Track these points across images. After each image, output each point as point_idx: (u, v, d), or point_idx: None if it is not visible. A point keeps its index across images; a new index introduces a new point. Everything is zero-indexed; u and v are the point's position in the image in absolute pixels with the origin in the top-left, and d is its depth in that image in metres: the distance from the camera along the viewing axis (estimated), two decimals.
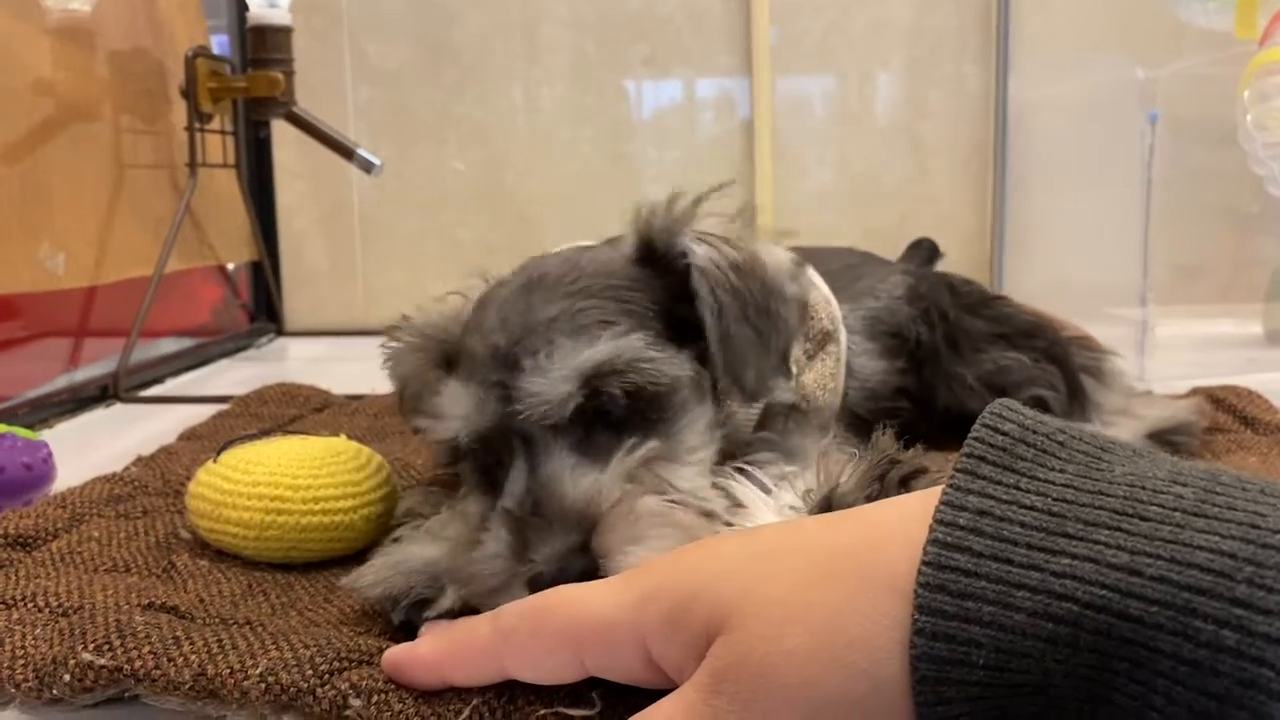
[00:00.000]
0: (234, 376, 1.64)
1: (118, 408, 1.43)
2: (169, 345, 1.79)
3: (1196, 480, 0.41)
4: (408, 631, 0.63)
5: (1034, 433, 0.44)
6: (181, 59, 1.65)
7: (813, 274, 0.93)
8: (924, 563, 0.40)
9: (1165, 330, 1.67)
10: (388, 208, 2.07)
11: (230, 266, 2.02)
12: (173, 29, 1.77)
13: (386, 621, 0.65)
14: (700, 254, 0.70)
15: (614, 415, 0.65)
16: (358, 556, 0.77)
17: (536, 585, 0.57)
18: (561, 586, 0.53)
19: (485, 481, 0.69)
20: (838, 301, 0.95)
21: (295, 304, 2.08)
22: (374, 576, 0.65)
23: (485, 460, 0.69)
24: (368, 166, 1.69)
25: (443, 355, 0.76)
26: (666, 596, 0.47)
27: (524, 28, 2.02)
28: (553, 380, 0.64)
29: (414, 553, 0.66)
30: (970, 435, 0.44)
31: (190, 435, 1.12)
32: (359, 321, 2.04)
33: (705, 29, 2.00)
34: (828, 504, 0.60)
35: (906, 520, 0.43)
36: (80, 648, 0.57)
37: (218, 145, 1.77)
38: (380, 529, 0.79)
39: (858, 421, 0.93)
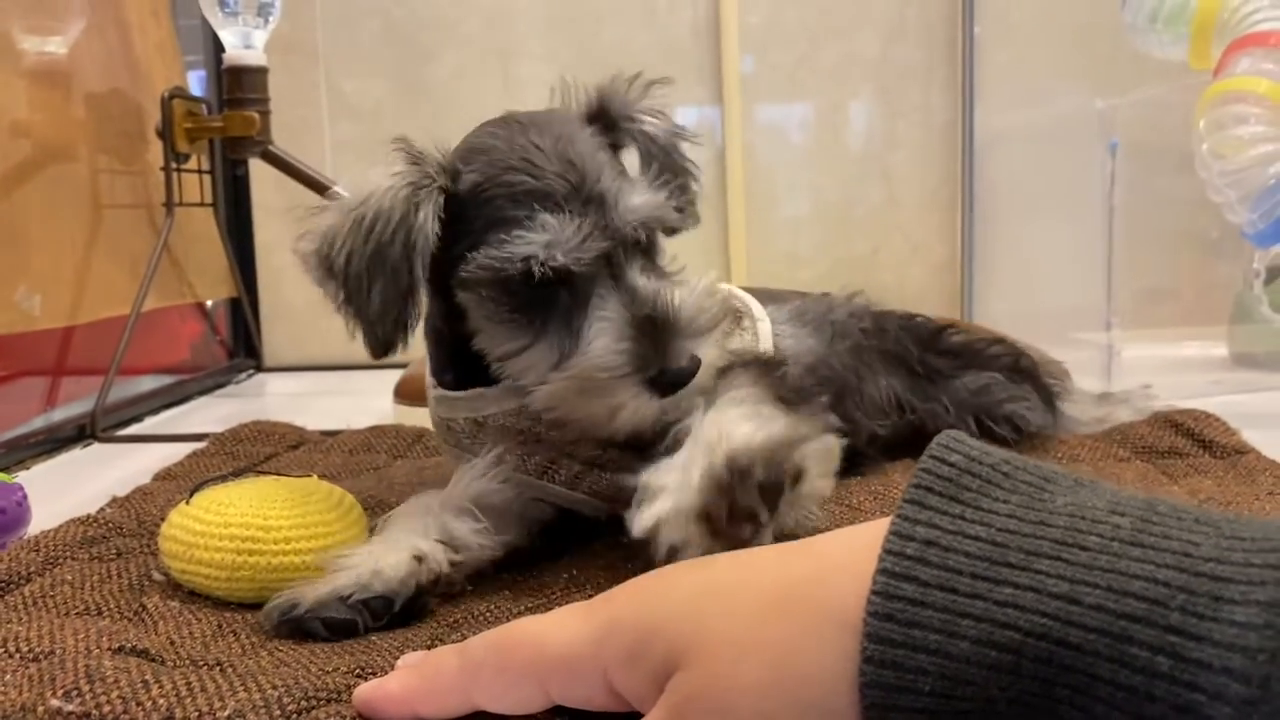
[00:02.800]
0: (213, 414, 1.65)
1: (95, 447, 1.44)
2: (148, 383, 1.79)
3: (1134, 510, 0.42)
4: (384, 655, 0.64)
5: (980, 463, 0.46)
6: (159, 99, 1.66)
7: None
8: (873, 592, 0.42)
9: (1131, 354, 1.69)
10: None
11: (209, 303, 2.03)
12: (150, 70, 1.79)
13: (355, 658, 0.66)
14: (651, 124, 0.87)
15: (640, 250, 0.79)
16: None
17: (660, 380, 0.73)
18: (524, 620, 0.54)
19: (529, 310, 0.77)
20: (763, 305, 1.03)
21: (274, 340, 2.09)
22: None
23: (547, 290, 0.76)
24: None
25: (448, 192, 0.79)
26: (627, 630, 0.48)
27: (499, 64, 2.05)
28: (636, 216, 0.77)
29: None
30: (918, 465, 0.46)
31: (165, 475, 1.12)
32: (338, 357, 2.05)
33: (678, 63, 2.03)
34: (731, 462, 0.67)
35: (855, 552, 0.45)
36: (49, 694, 0.58)
37: (195, 184, 1.79)
38: None
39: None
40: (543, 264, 0.75)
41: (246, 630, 0.73)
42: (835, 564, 0.45)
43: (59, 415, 1.51)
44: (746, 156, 2.03)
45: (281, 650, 0.69)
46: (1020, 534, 0.42)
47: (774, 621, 0.44)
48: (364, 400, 1.63)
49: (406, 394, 1.45)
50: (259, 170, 1.96)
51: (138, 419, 1.60)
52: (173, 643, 0.70)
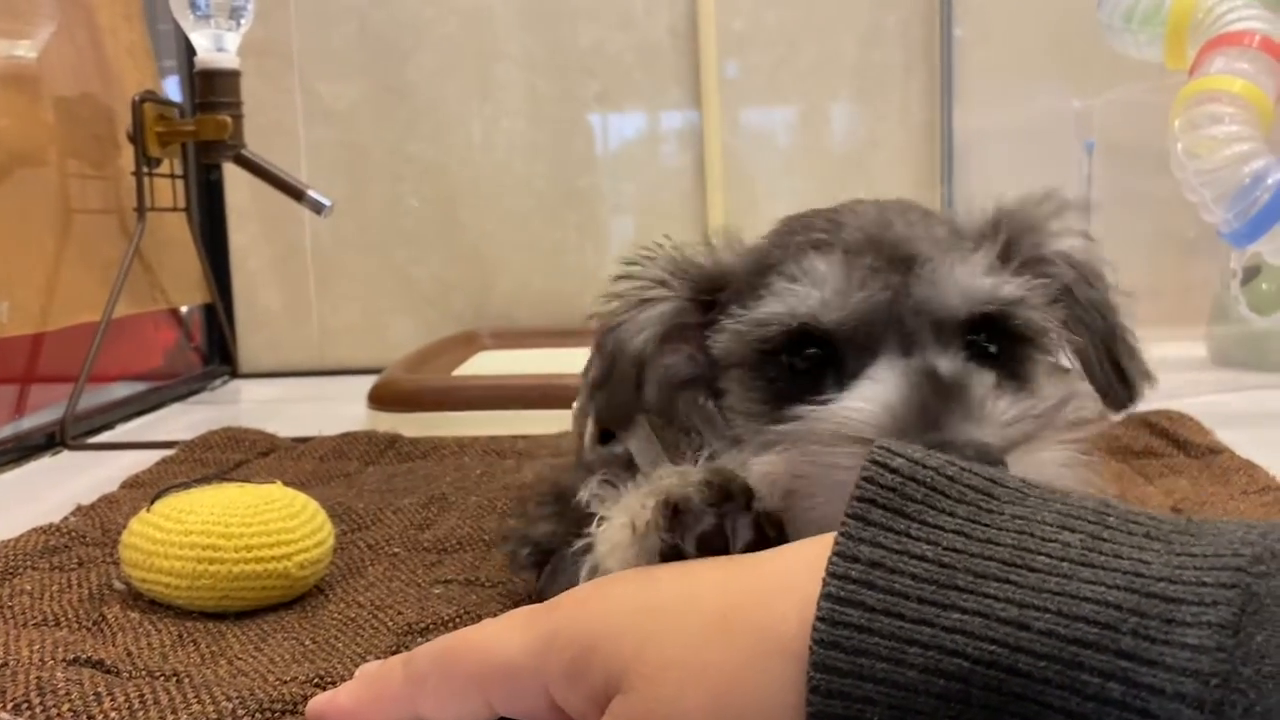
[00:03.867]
0: (186, 421, 1.63)
1: (64, 455, 1.42)
2: (121, 390, 1.77)
3: (1084, 525, 0.41)
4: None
5: (923, 467, 0.44)
6: (130, 103, 1.65)
7: None
8: (818, 618, 0.40)
9: None
10: (342, 247, 2.07)
11: (183, 309, 2.01)
12: (121, 73, 1.77)
13: (315, 666, 0.65)
14: (1079, 260, 0.66)
15: (980, 354, 0.60)
16: (293, 604, 0.78)
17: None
18: (470, 629, 0.53)
19: (803, 389, 0.59)
20: None
21: (250, 346, 2.07)
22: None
23: (817, 359, 0.59)
24: (318, 208, 1.69)
25: (708, 282, 0.66)
26: (566, 644, 0.47)
27: (476, 66, 2.03)
28: (959, 290, 0.58)
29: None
30: (860, 474, 0.44)
31: (132, 483, 1.11)
32: (314, 362, 2.03)
33: (655, 65, 2.03)
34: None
35: (798, 572, 0.44)
36: None
37: (168, 189, 1.77)
38: (316, 576, 0.79)
39: None
40: (798, 325, 0.58)
41: (207, 639, 0.71)
42: (778, 584, 0.44)
43: (28, 423, 1.49)
44: (726, 159, 2.02)
45: (242, 659, 0.68)
46: (968, 553, 0.41)
47: (716, 645, 0.43)
48: (339, 406, 1.61)
49: (381, 400, 1.44)
50: (233, 175, 1.94)
51: (108, 427, 1.58)
52: (130, 654, 0.68)
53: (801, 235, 0.63)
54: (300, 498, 0.81)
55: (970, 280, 0.59)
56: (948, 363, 0.57)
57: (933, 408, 0.53)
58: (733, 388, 0.63)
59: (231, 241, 2.06)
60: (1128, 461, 1.08)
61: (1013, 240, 0.65)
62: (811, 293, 0.58)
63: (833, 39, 2.02)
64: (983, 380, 0.56)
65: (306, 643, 0.71)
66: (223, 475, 1.13)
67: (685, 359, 0.67)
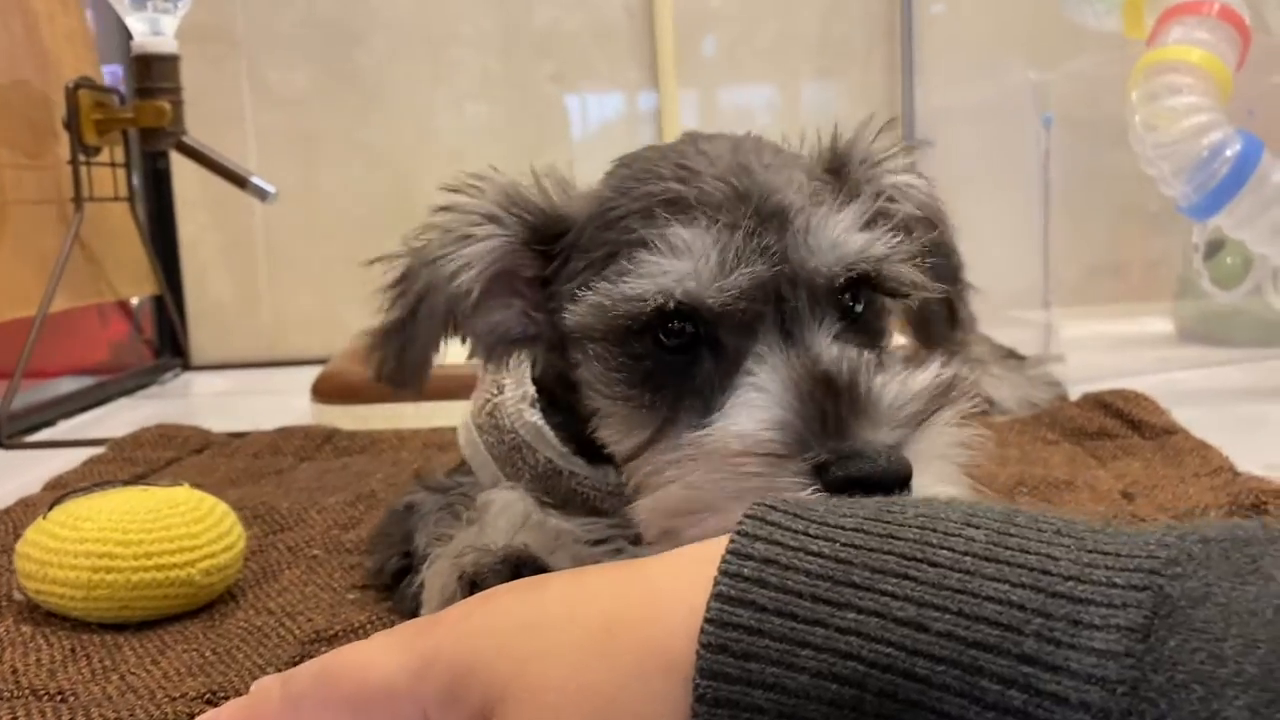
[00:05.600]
0: (130, 416, 1.59)
1: (0, 454, 1.38)
2: (68, 385, 1.73)
3: (990, 522, 0.39)
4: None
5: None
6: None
7: None
8: (707, 619, 0.38)
9: (1074, 332, 1.67)
10: (293, 235, 2.03)
11: (135, 301, 1.96)
12: (59, 59, 1.72)
13: (211, 680, 0.62)
14: (918, 196, 0.65)
15: (848, 311, 0.58)
16: (199, 612, 0.74)
17: (848, 470, 0.48)
18: (349, 647, 0.50)
19: (658, 382, 0.56)
20: None
21: (201, 337, 2.02)
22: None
23: (683, 354, 0.56)
24: (262, 195, 1.65)
25: (543, 223, 0.62)
26: (445, 666, 0.44)
27: (428, 49, 1.99)
28: (834, 247, 0.55)
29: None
30: None
31: (56, 485, 1.07)
32: (266, 353, 1.99)
33: (611, 45, 1.98)
34: None
35: (688, 577, 0.41)
36: None
37: (110, 178, 1.72)
38: (224, 582, 0.76)
39: None
40: (674, 306, 0.54)
41: (101, 653, 0.68)
42: (667, 591, 0.42)
43: None
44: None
45: (135, 674, 0.65)
46: (866, 549, 0.38)
47: (596, 664, 0.40)
48: (288, 399, 1.57)
49: (324, 392, 1.40)
50: (181, 163, 1.89)
51: (50, 423, 1.53)
52: (15, 671, 0.65)
53: (652, 184, 0.58)
54: (208, 500, 0.77)
55: (845, 238, 0.56)
56: (829, 349, 0.54)
57: (830, 414, 0.50)
58: (591, 364, 0.59)
59: (180, 231, 2.01)
60: (1081, 443, 1.06)
61: (853, 173, 0.64)
62: (683, 267, 0.54)
63: (791, 15, 1.98)
64: (866, 366, 0.53)
65: (207, 654, 0.67)
66: (148, 475, 1.10)
67: (517, 316, 0.64)
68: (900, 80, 1.95)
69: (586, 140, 2.04)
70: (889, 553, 0.38)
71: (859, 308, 0.58)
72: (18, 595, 0.76)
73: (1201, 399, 1.38)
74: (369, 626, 0.70)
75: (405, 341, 0.63)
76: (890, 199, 0.64)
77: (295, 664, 0.65)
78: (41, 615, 0.73)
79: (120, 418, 1.60)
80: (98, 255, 1.76)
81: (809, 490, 0.49)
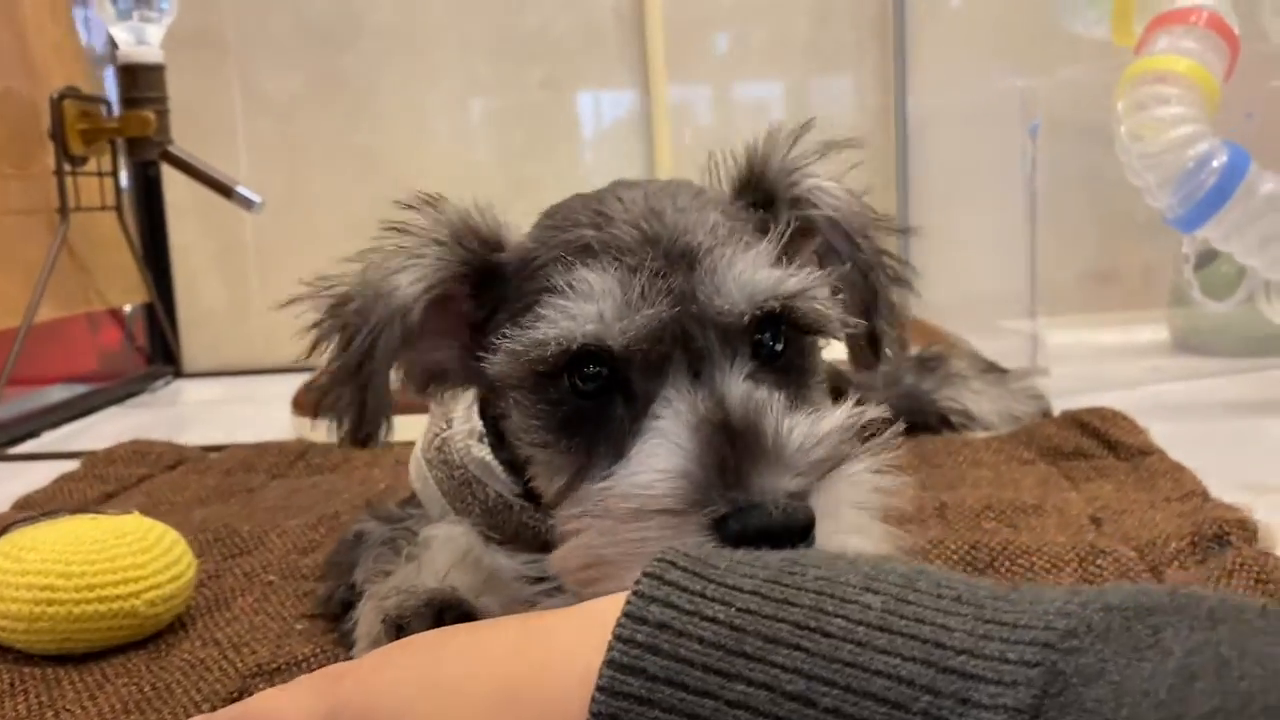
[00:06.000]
0: (117, 426, 1.59)
1: None
2: (59, 393, 1.73)
3: (890, 587, 0.38)
4: None
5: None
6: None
7: None
8: (598, 687, 0.38)
9: (1065, 340, 1.65)
10: (284, 241, 2.02)
11: (127, 309, 1.97)
12: (47, 70, 1.72)
13: (144, 716, 0.61)
14: (833, 202, 0.62)
15: (766, 352, 0.57)
16: (145, 642, 0.74)
17: (741, 526, 0.47)
18: (265, 694, 0.50)
19: (575, 427, 0.56)
20: None
21: (193, 345, 2.02)
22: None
23: (589, 393, 0.56)
24: (248, 204, 1.65)
25: (483, 263, 0.61)
26: (351, 719, 0.44)
27: (413, 54, 1.98)
28: (742, 287, 0.54)
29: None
30: None
31: (24, 504, 1.07)
32: (259, 360, 1.99)
33: (599, 47, 1.97)
34: None
35: (585, 639, 0.41)
36: None
37: (97, 187, 1.72)
38: (171, 612, 0.75)
39: None
40: (578, 349, 0.54)
41: (40, 687, 0.67)
42: (564, 652, 0.41)
43: None
44: (674, 142, 1.97)
45: (71, 710, 0.64)
46: (761, 615, 0.38)
47: None
48: (275, 409, 1.57)
49: (304, 405, 1.39)
50: (173, 171, 1.89)
51: (35, 434, 1.53)
52: None
53: (568, 233, 0.58)
54: (156, 529, 0.76)
55: (754, 276, 0.55)
56: (737, 391, 0.53)
57: (730, 462, 0.49)
58: (513, 412, 0.59)
59: (172, 239, 2.01)
60: (1056, 463, 1.04)
61: (769, 184, 0.63)
62: (588, 310, 0.54)
63: (782, 19, 1.96)
64: (773, 409, 0.52)
65: (146, 689, 0.67)
66: (118, 493, 1.10)
67: (457, 357, 0.63)
68: (893, 84, 1.93)
69: (579, 143, 2.02)
70: (783, 620, 0.37)
71: (779, 346, 0.58)
72: None
73: (1189, 413, 1.36)
74: (312, 660, 0.69)
75: (365, 386, 0.61)
76: (812, 205, 0.63)
77: (233, 699, 0.65)
78: None
79: (106, 428, 1.60)
80: (87, 264, 1.76)
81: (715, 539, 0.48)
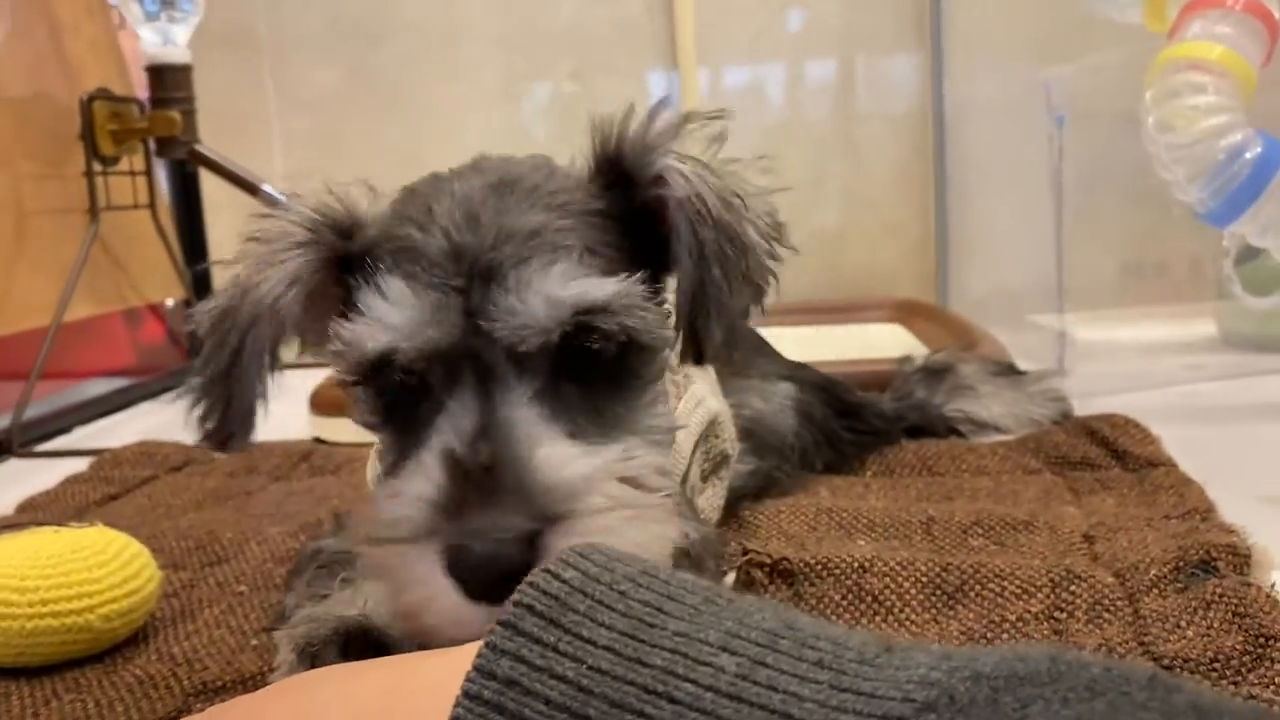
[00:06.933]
0: (147, 423, 1.61)
1: (12, 463, 1.41)
2: (99, 387, 1.77)
3: (749, 646, 0.36)
4: None
5: (597, 582, 0.40)
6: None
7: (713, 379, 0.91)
8: None
9: (1102, 336, 1.59)
10: None
11: (169, 304, 2.00)
12: (82, 70, 1.75)
13: None
14: (681, 182, 0.60)
15: (581, 365, 0.57)
16: (101, 656, 0.74)
17: (456, 560, 0.49)
18: None
19: (396, 419, 0.58)
20: (724, 393, 0.91)
21: None
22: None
23: (407, 390, 0.57)
24: (274, 203, 1.66)
25: (343, 250, 0.62)
26: None
27: (447, 47, 1.98)
28: (541, 304, 0.54)
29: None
30: (525, 579, 0.40)
31: (28, 506, 1.09)
32: (294, 354, 2.01)
33: (632, 38, 1.95)
34: None
35: (439, 695, 0.39)
36: None
37: (130, 186, 1.75)
38: (129, 626, 0.75)
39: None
40: (381, 358, 0.56)
41: None
42: (432, 695, 0.40)
43: None
44: None
45: None
46: (611, 675, 0.36)
47: None
48: (299, 405, 1.58)
49: (321, 404, 1.40)
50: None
51: (66, 430, 1.57)
52: None
53: (400, 228, 0.59)
54: (118, 542, 0.77)
55: (558, 292, 0.55)
56: (509, 413, 0.54)
57: (467, 495, 0.50)
58: (356, 403, 0.61)
59: (210, 235, 2.04)
60: (1062, 473, 1.00)
61: (628, 166, 0.62)
62: (391, 319, 0.55)
63: (815, 5, 1.91)
64: (531, 440, 0.52)
65: (90, 705, 0.67)
66: (121, 495, 1.11)
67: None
68: (930, 72, 1.87)
69: None
70: (631, 683, 0.36)
71: (602, 357, 0.57)
72: None
73: (1221, 414, 1.30)
74: (258, 679, 0.69)
75: (231, 389, 0.62)
76: (667, 184, 0.60)
77: (178, 715, 0.65)
78: None
79: (135, 424, 1.62)
80: (122, 261, 1.79)
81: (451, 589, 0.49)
